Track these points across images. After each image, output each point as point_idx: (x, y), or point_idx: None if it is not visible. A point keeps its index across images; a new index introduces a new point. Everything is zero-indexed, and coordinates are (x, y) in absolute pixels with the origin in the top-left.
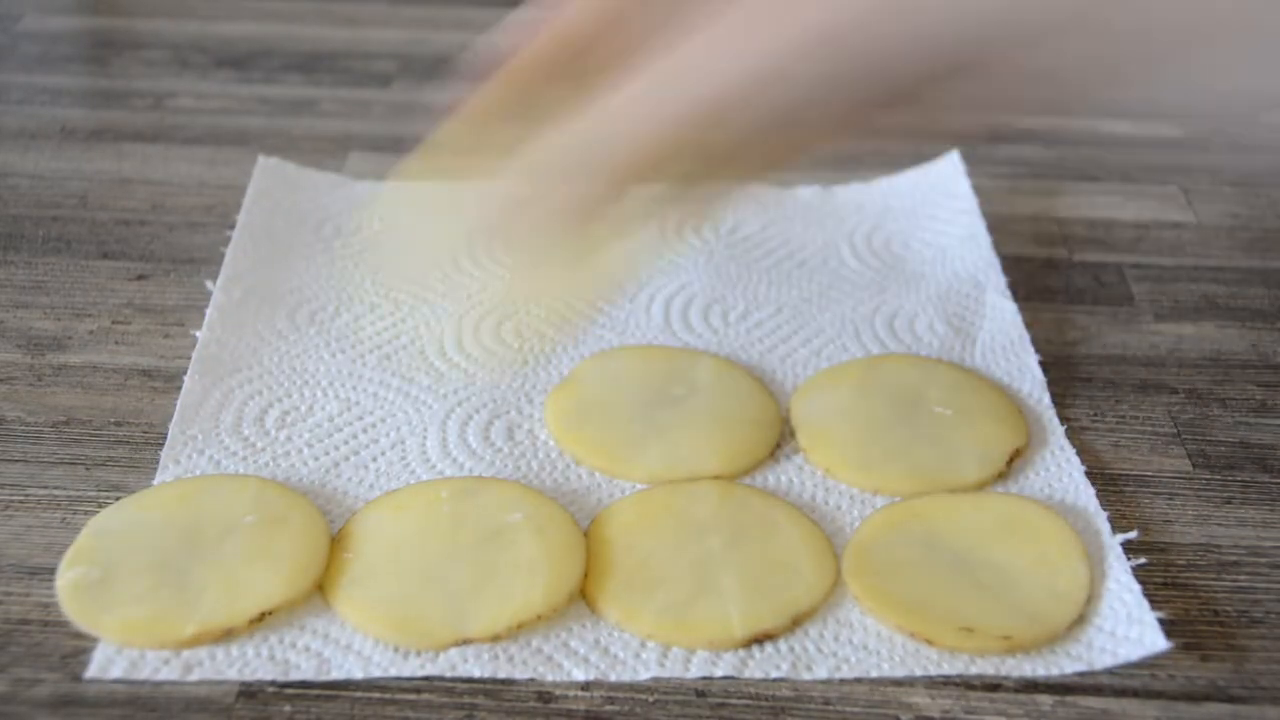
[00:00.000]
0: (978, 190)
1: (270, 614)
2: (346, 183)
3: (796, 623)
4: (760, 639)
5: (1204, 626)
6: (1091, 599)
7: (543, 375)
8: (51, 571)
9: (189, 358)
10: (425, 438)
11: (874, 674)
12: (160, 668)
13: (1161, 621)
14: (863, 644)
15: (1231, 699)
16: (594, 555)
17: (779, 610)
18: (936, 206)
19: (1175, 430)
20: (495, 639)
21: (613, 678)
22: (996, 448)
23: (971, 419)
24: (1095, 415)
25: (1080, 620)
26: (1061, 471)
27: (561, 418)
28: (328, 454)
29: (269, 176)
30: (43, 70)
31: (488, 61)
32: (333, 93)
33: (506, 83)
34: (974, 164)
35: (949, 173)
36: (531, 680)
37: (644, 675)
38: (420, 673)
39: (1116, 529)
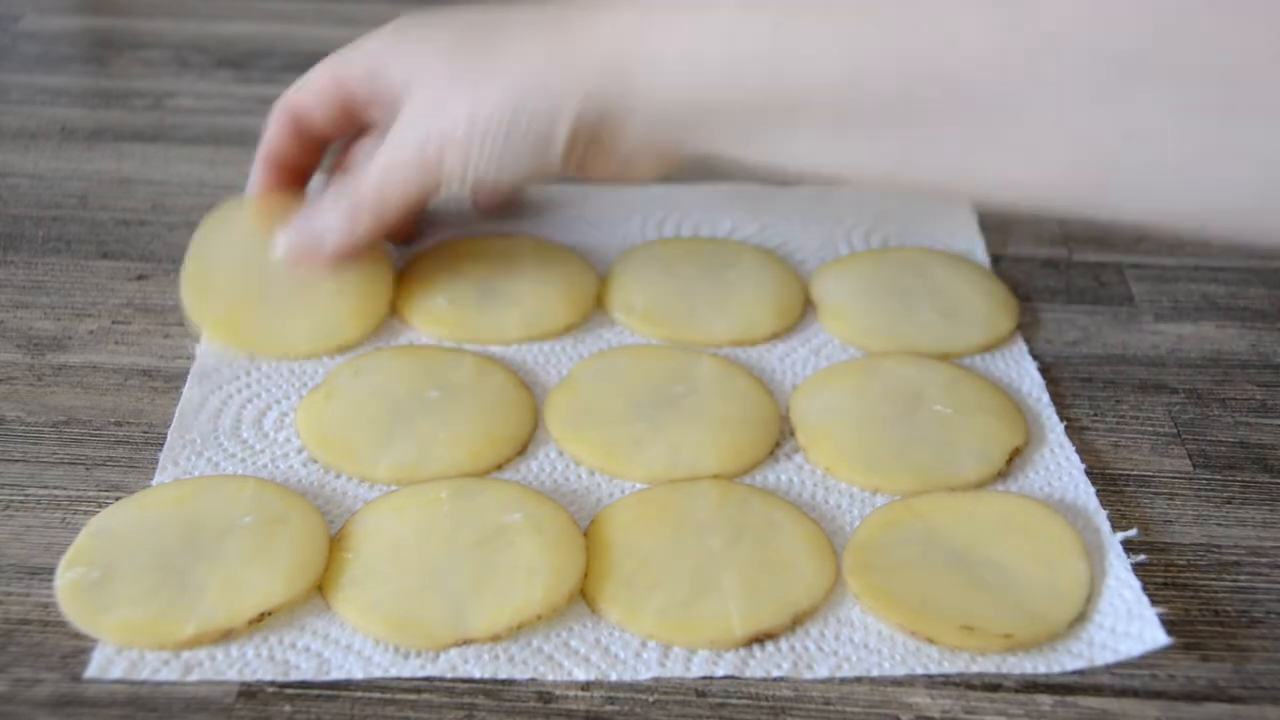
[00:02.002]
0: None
1: (270, 614)
2: None
3: (797, 622)
4: (760, 638)
5: (1204, 626)
6: (1092, 597)
7: (552, 373)
8: (51, 571)
9: (189, 357)
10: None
11: (875, 673)
12: (160, 668)
13: (1162, 620)
14: (863, 643)
15: (1231, 699)
16: (594, 555)
17: (779, 610)
18: (936, 215)
19: (1175, 430)
20: (495, 639)
21: (613, 677)
22: (996, 446)
23: (971, 417)
24: (1095, 415)
25: (1081, 618)
26: (1061, 470)
27: (561, 418)
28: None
29: None
30: (43, 70)
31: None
32: None
33: (262, 194)
34: None
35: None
36: (531, 680)
37: (644, 675)
38: (420, 673)
39: (1116, 528)
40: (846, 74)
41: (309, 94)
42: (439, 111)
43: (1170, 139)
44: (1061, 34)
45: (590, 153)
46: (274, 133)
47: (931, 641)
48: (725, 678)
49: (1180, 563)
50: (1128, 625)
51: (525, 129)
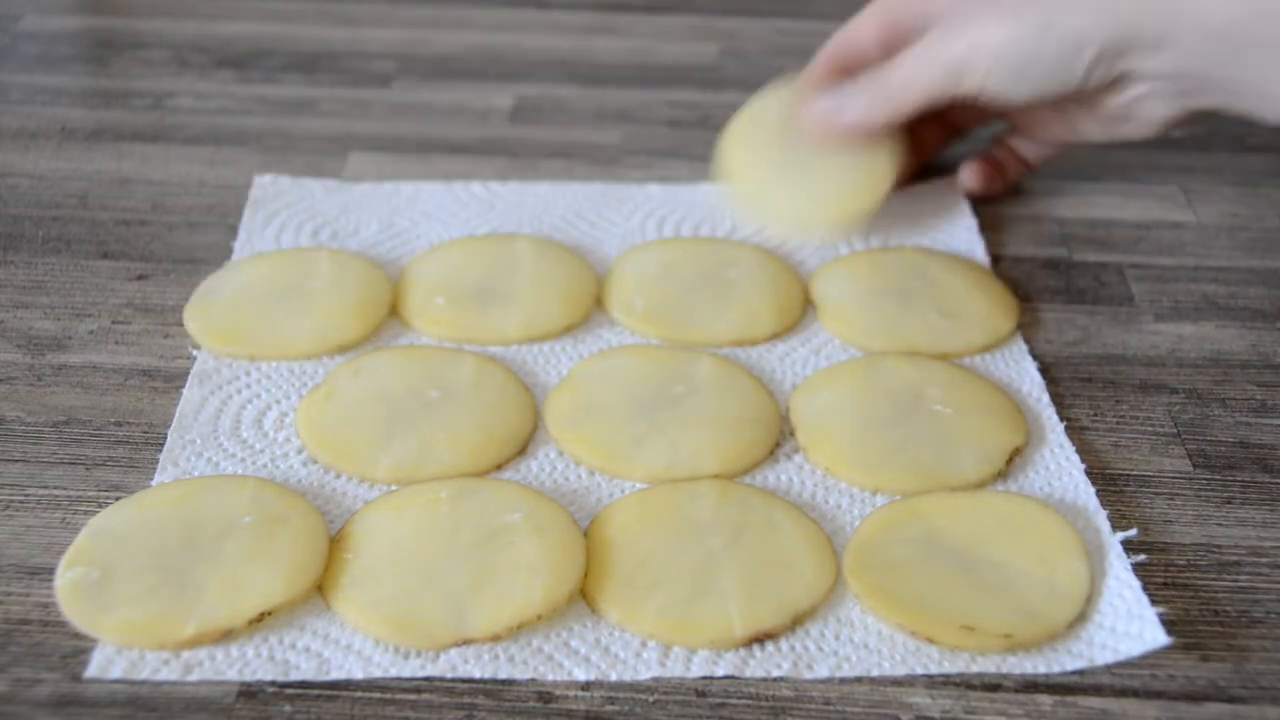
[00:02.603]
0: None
1: (270, 614)
2: (345, 187)
3: (797, 622)
4: (761, 638)
5: (1204, 626)
6: (1092, 597)
7: (552, 373)
8: (51, 571)
9: (189, 357)
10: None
11: (875, 673)
12: (160, 668)
13: (1162, 619)
14: (864, 643)
15: (1231, 699)
16: (594, 555)
17: (779, 610)
18: (936, 218)
19: (1175, 430)
20: (495, 639)
21: (613, 677)
22: (996, 446)
23: (971, 417)
24: (1095, 415)
25: (1081, 618)
26: (1061, 470)
27: (561, 418)
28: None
29: (264, 191)
30: (43, 70)
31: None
32: (332, 93)
33: (810, 80)
34: None
35: (949, 190)
36: (532, 680)
37: (645, 675)
38: (420, 673)
39: (1116, 528)
40: None
41: (857, 31)
42: (973, 27)
43: None
44: None
45: (1098, 95)
46: (839, 42)
47: (931, 641)
48: (725, 678)
49: (1180, 563)
50: (1128, 625)
51: (1052, 51)
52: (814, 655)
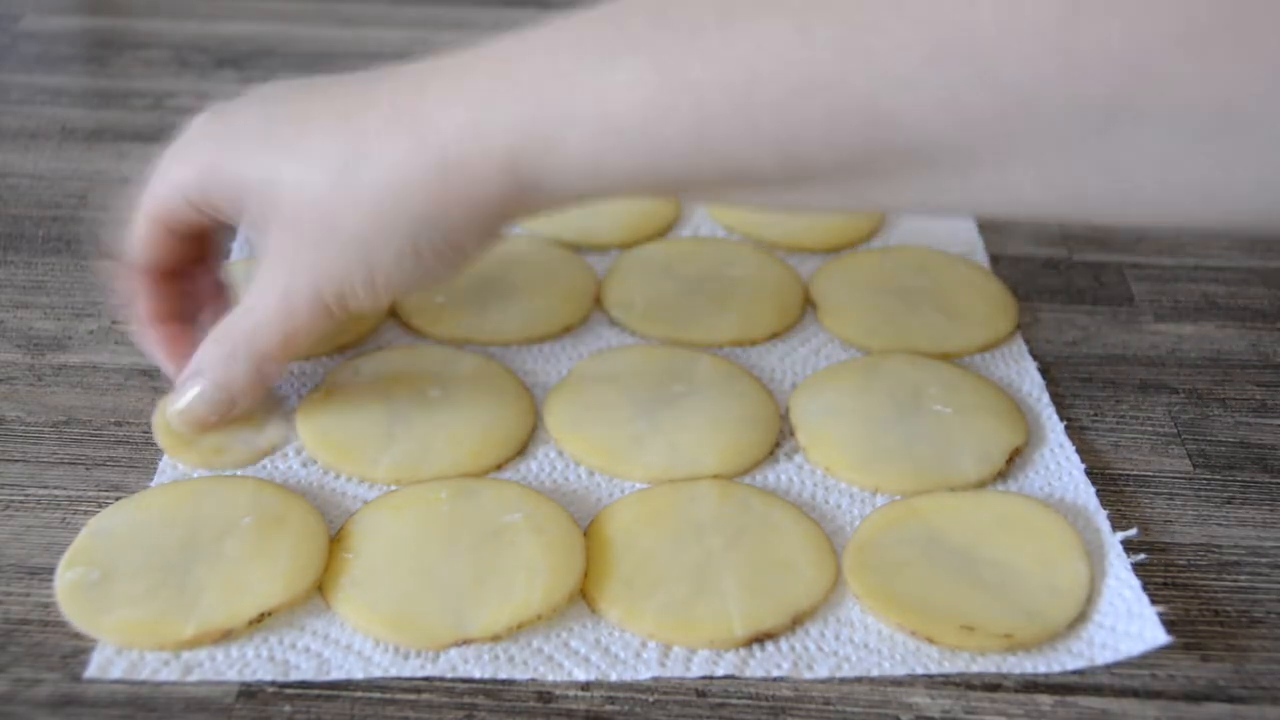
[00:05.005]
0: None
1: (269, 614)
2: None
3: (797, 622)
4: (761, 638)
5: (1204, 626)
6: (1092, 596)
7: (552, 373)
8: (51, 571)
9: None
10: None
11: (875, 673)
12: (160, 668)
13: (1162, 619)
14: (863, 643)
15: (1231, 699)
16: (594, 555)
17: (779, 610)
18: (934, 220)
19: (1175, 430)
20: (495, 639)
21: (613, 677)
22: (996, 446)
23: (971, 417)
24: (1095, 415)
25: (1081, 617)
26: (1061, 470)
27: (561, 417)
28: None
29: None
30: (43, 70)
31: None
32: None
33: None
34: None
35: None
36: (532, 680)
37: (645, 675)
38: (420, 673)
39: (1116, 528)
40: (784, 156)
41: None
42: (329, 240)
43: (1157, 172)
44: (1030, 88)
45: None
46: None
47: (931, 641)
48: (725, 678)
49: (1180, 563)
50: (1128, 624)
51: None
52: (814, 655)
